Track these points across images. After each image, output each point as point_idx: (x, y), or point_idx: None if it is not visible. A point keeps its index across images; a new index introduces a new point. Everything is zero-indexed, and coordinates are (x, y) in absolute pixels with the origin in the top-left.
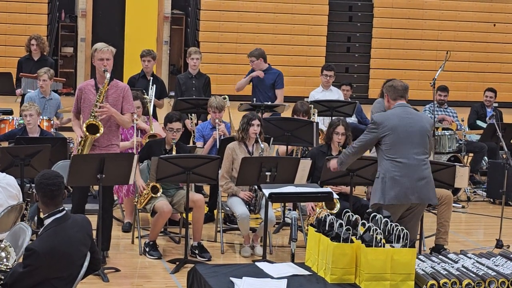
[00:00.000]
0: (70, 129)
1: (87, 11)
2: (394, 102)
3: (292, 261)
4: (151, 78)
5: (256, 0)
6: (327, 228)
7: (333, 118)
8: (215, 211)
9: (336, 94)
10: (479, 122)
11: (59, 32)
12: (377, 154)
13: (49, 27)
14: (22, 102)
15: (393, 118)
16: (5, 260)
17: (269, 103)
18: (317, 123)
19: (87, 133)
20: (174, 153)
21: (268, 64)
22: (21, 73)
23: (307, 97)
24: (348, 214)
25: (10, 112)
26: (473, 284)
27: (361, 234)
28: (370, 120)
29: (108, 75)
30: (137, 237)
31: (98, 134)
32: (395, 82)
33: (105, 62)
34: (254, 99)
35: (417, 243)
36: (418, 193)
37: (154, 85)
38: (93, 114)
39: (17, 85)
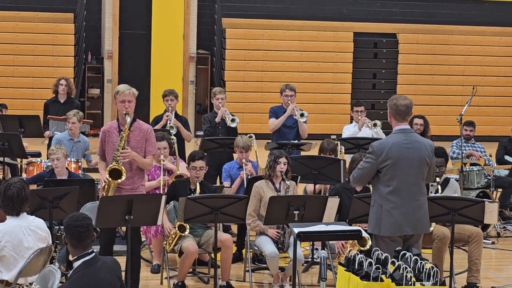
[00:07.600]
0: (97, 170)
1: (113, 52)
2: (395, 122)
3: None
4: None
5: (281, 38)
6: (356, 267)
7: (355, 154)
8: (244, 251)
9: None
10: (507, 157)
11: (86, 74)
12: (372, 180)
13: (76, 69)
14: (49, 144)
15: (393, 147)
16: None
17: (296, 141)
18: (344, 161)
19: (110, 179)
20: (198, 192)
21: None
22: (48, 116)
23: (334, 134)
24: (377, 252)
25: (38, 155)
26: None
27: (391, 272)
28: (370, 148)
29: (128, 119)
30: (165, 278)
31: (119, 180)
32: (398, 101)
33: (127, 105)
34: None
35: (447, 280)
36: (414, 223)
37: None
38: (115, 159)
39: (45, 128)
